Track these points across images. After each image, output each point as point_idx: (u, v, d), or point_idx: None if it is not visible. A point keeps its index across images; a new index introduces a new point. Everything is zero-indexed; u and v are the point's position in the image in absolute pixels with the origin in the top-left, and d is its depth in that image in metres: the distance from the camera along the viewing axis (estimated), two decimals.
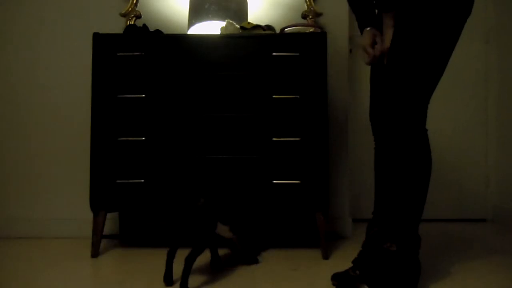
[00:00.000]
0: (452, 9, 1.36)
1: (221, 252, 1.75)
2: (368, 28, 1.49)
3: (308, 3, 2.27)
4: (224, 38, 1.89)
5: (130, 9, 2.23)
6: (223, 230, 1.58)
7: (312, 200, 1.80)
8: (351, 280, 1.39)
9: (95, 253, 1.85)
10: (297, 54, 1.83)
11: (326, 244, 1.81)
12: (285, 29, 2.05)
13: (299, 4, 2.28)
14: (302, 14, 2.27)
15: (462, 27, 1.42)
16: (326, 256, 1.80)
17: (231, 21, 2.02)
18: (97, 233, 1.85)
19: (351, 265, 1.43)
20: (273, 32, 2.02)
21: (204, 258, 1.74)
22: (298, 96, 1.82)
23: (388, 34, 1.41)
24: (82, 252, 1.90)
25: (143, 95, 1.84)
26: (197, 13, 2.24)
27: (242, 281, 1.51)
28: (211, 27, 2.19)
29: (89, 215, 1.88)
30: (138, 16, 2.23)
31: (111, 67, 1.85)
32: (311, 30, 2.17)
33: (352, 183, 2.29)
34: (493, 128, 2.73)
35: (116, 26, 2.22)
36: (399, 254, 1.34)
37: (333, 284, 1.42)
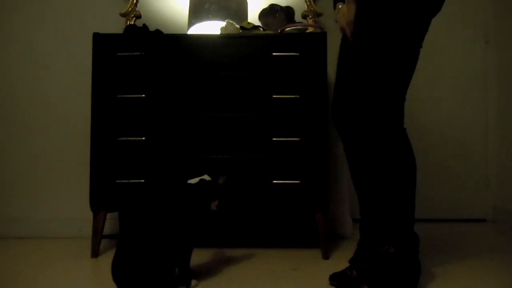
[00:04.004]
0: (416, 4, 1.33)
1: (217, 252, 1.75)
2: (340, 6, 1.47)
3: (308, 3, 2.27)
4: (224, 38, 1.89)
5: (130, 9, 2.23)
6: None
7: (312, 200, 1.79)
8: (351, 281, 1.39)
9: (95, 253, 1.84)
10: (297, 54, 1.83)
11: (326, 244, 1.81)
12: (285, 29, 2.05)
13: (299, 4, 2.28)
14: (302, 14, 2.27)
15: (425, 20, 1.38)
16: (326, 256, 1.80)
17: (231, 21, 2.02)
18: (97, 233, 1.85)
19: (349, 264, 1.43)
20: (274, 32, 2.02)
21: (203, 258, 1.75)
22: (298, 96, 1.82)
23: (350, 7, 1.38)
24: (82, 252, 1.90)
25: (143, 95, 1.84)
26: (197, 13, 2.24)
27: (242, 281, 1.51)
28: (211, 27, 2.19)
29: (89, 215, 1.88)
30: (138, 16, 2.23)
31: (111, 67, 1.85)
32: (311, 30, 2.17)
33: (352, 183, 2.29)
34: (493, 128, 2.73)
35: (116, 26, 2.22)
36: (398, 255, 1.34)
37: (332, 285, 1.41)
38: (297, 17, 2.26)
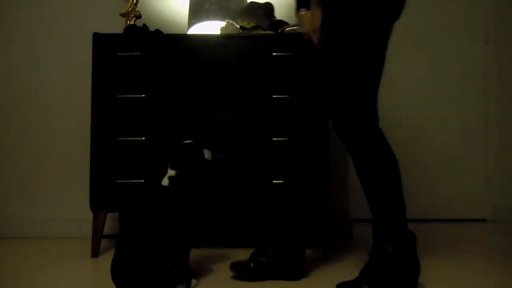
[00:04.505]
0: (373, 10, 1.37)
1: (217, 252, 1.75)
2: (303, 12, 1.51)
3: None
4: (224, 38, 1.89)
5: (130, 9, 2.23)
6: None
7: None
8: (248, 273, 1.48)
9: (95, 253, 1.84)
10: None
11: (326, 244, 1.81)
12: (285, 29, 2.05)
13: None
14: None
15: (386, 25, 1.41)
16: (326, 256, 1.79)
17: (231, 21, 2.02)
18: (97, 233, 1.85)
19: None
20: (272, 33, 2.02)
21: (203, 258, 1.75)
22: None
23: (316, 14, 1.43)
24: (82, 252, 1.90)
25: (143, 95, 1.84)
26: (197, 13, 2.24)
27: (241, 280, 1.51)
28: (211, 27, 2.19)
29: (89, 215, 1.88)
30: (138, 16, 2.23)
31: (111, 67, 1.85)
32: None
33: (352, 183, 2.29)
34: (493, 128, 2.73)
35: (116, 26, 2.22)
36: (396, 254, 1.34)
37: (234, 276, 1.51)
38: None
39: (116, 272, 1.29)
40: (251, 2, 2.17)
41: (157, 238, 1.32)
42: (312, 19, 1.43)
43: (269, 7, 2.17)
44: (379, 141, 1.40)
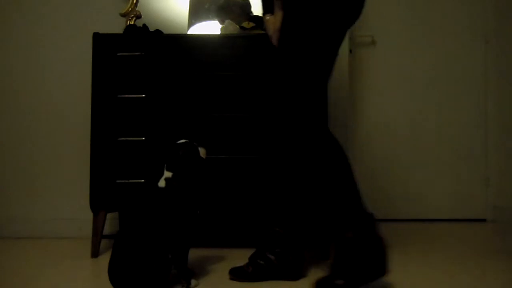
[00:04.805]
0: (328, 11, 1.41)
1: (216, 252, 1.75)
2: (268, 17, 1.57)
3: None
4: (224, 38, 1.89)
5: (130, 9, 2.23)
6: None
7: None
8: (247, 277, 1.49)
9: (95, 253, 1.84)
10: None
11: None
12: None
13: None
14: None
15: (340, 30, 1.46)
16: (325, 257, 1.79)
17: (231, 21, 2.02)
18: (97, 233, 1.85)
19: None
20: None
21: (202, 258, 1.75)
22: None
23: (277, 15, 1.49)
24: (82, 252, 1.90)
25: (143, 95, 1.84)
26: (197, 13, 2.24)
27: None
28: (211, 27, 2.19)
29: (89, 215, 1.88)
30: (138, 16, 2.23)
31: (111, 67, 1.85)
32: None
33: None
34: (492, 128, 2.73)
35: (116, 26, 2.22)
36: (357, 238, 1.35)
37: (231, 278, 1.50)
38: None
39: (115, 273, 1.29)
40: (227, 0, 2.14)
41: (155, 239, 1.32)
42: (275, 20, 1.50)
43: (245, 4, 2.14)
44: (324, 135, 1.41)
